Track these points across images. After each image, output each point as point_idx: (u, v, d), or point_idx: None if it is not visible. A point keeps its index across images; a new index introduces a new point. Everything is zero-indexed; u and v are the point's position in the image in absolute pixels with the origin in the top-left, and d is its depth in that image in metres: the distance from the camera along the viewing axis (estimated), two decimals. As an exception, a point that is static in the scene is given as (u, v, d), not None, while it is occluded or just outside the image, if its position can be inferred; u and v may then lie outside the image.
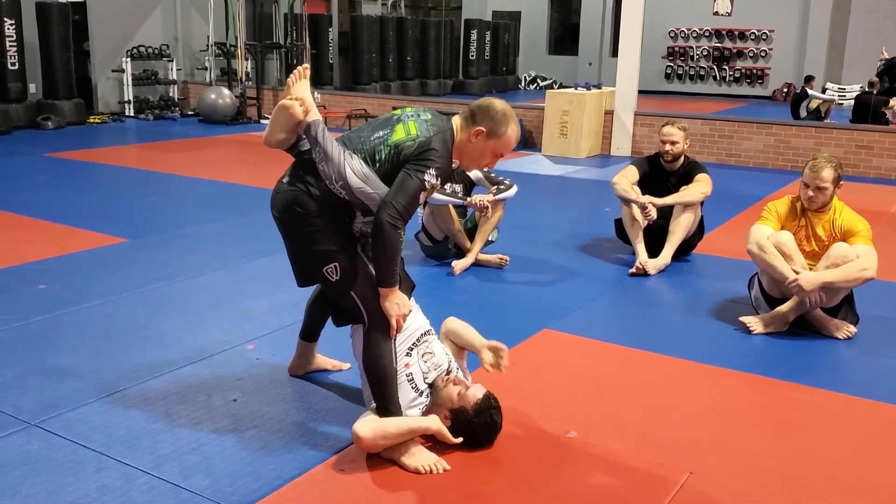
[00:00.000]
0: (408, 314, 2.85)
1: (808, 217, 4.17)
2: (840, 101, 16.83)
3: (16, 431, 2.91)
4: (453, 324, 3.20)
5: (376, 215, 2.72)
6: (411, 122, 2.82)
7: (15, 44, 10.94)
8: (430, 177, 2.73)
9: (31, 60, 11.46)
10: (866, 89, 13.81)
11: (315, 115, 2.86)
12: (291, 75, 2.92)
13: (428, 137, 2.77)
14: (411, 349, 2.92)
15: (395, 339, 2.85)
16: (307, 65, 3.06)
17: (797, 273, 3.95)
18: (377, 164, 2.78)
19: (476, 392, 2.86)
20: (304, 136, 2.86)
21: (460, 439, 2.81)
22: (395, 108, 3.03)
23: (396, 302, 2.80)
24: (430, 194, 2.80)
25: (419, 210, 5.15)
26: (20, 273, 4.78)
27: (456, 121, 2.88)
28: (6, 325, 3.94)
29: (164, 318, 4.11)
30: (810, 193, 4.09)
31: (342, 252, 2.83)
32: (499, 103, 2.87)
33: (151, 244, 5.54)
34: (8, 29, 10.82)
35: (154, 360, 3.56)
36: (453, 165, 2.93)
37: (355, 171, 2.75)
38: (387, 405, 2.79)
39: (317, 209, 2.81)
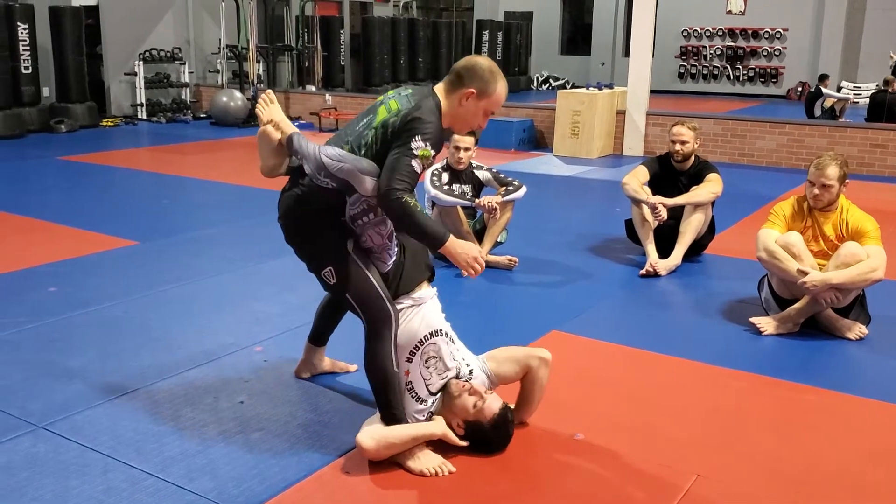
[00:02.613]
0: (477, 255, 2.77)
1: (815, 216, 4.14)
2: (855, 100, 16.71)
3: (23, 434, 2.92)
4: (493, 364, 3.03)
5: (380, 203, 2.70)
6: (392, 101, 2.80)
7: (28, 48, 11.01)
8: (417, 143, 2.68)
9: (44, 64, 11.55)
10: (882, 87, 13.70)
11: (291, 129, 2.92)
12: (259, 104, 2.98)
13: (410, 108, 2.73)
14: (412, 354, 2.87)
15: (394, 344, 2.81)
16: (270, 90, 3.14)
17: (806, 272, 3.91)
18: (364, 149, 2.76)
19: (493, 405, 2.81)
20: (288, 151, 2.89)
21: (466, 443, 2.81)
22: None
23: (458, 252, 2.75)
24: (428, 162, 2.73)
25: (427, 212, 5.15)
26: (31, 275, 4.81)
27: (440, 87, 2.84)
28: (16, 327, 3.96)
29: (172, 321, 4.12)
30: (816, 191, 4.05)
31: (336, 255, 2.82)
32: (484, 61, 2.83)
33: (162, 247, 5.56)
34: (21, 33, 10.90)
35: (162, 363, 3.57)
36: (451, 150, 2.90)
37: (329, 155, 2.75)
38: (390, 409, 2.78)
39: (311, 211, 2.82)
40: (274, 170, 2.98)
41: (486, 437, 2.81)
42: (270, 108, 2.95)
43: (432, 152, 2.72)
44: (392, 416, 2.77)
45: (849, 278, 3.89)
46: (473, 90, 2.78)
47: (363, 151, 2.76)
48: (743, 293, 4.67)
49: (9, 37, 10.74)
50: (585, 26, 23.26)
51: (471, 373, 2.97)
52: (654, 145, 10.44)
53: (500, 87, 2.82)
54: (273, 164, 2.97)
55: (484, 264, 2.82)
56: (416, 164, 2.68)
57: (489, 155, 9.53)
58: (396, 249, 2.95)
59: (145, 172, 8.94)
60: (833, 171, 4.02)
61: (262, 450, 2.85)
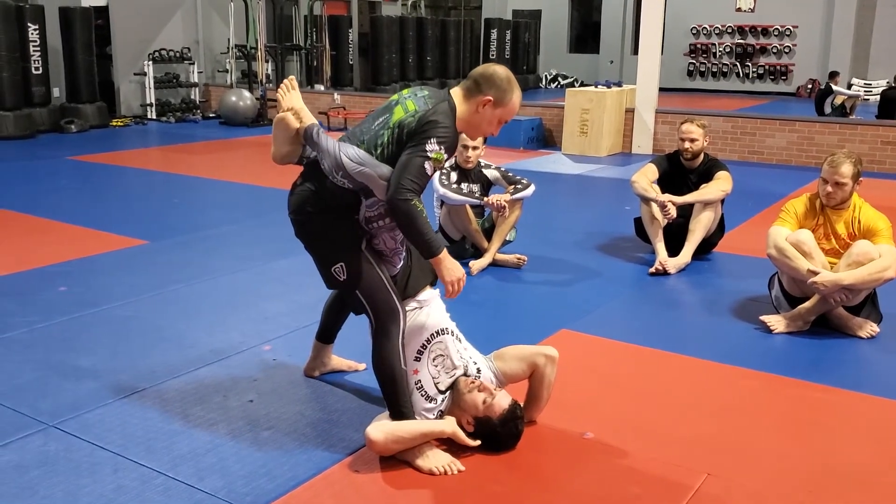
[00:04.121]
0: (462, 276, 2.81)
1: (827, 214, 4.11)
2: (866, 97, 16.62)
3: (34, 432, 2.93)
4: (500, 363, 3.04)
5: (388, 201, 2.70)
6: (409, 101, 2.80)
7: (39, 48, 11.07)
8: (432, 146, 2.68)
9: (54, 65, 11.60)
10: (892, 84, 13.63)
11: (310, 120, 2.89)
12: (280, 89, 2.95)
13: (427, 110, 2.74)
14: (420, 353, 2.88)
15: (402, 342, 2.81)
16: (293, 76, 3.09)
17: (816, 272, 3.89)
18: (380, 148, 2.76)
19: (502, 401, 2.82)
20: (306, 143, 2.88)
21: (477, 442, 2.80)
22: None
23: (448, 268, 2.78)
24: (440, 165, 2.75)
25: (436, 211, 5.15)
26: (41, 275, 4.83)
27: (456, 92, 2.85)
28: (27, 326, 3.97)
29: (182, 320, 4.13)
30: (829, 189, 4.03)
31: (348, 251, 2.82)
32: (501, 70, 2.84)
33: (171, 246, 5.57)
34: (32, 34, 10.95)
35: (172, 361, 3.58)
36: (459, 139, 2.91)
37: (350, 156, 2.74)
38: (398, 406, 2.78)
39: (325, 208, 2.82)
40: (286, 157, 2.95)
41: (496, 434, 2.81)
42: (291, 95, 2.92)
43: (445, 156, 2.74)
44: (400, 413, 2.78)
45: (860, 278, 3.87)
46: (491, 98, 2.79)
47: (378, 151, 2.75)
48: (753, 291, 4.65)
49: (19, 38, 10.79)
50: (594, 24, 23.23)
51: (478, 371, 2.97)
52: (663, 143, 10.41)
53: (516, 97, 2.84)
54: (286, 153, 2.94)
55: (462, 288, 2.83)
56: (428, 166, 2.69)
57: (497, 153, 9.53)
58: (405, 255, 2.95)
59: (155, 172, 8.97)
60: (847, 169, 3.99)
61: (272, 448, 2.85)
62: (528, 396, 3.02)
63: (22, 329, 3.94)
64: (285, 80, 2.97)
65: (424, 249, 2.77)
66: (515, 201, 5.02)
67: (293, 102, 2.90)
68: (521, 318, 4.33)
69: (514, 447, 2.85)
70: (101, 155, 9.63)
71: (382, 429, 2.72)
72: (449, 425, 2.79)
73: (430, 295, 2.98)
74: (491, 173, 5.14)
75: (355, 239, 2.85)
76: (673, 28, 19.43)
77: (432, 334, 2.91)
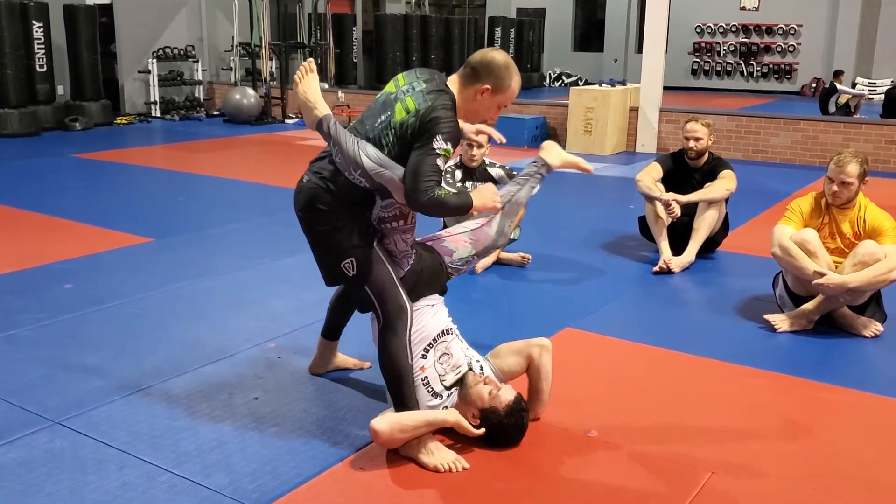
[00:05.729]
0: (496, 193, 2.95)
1: (833, 213, 4.11)
2: (870, 96, 16.58)
3: (40, 429, 2.95)
4: (497, 360, 3.07)
5: (410, 204, 2.73)
6: (408, 99, 2.78)
7: (43, 46, 11.08)
8: (440, 143, 2.70)
9: (59, 62, 11.61)
10: (897, 83, 13.59)
11: (324, 110, 2.87)
12: (297, 73, 2.92)
13: (427, 107, 2.73)
14: (427, 351, 2.89)
15: (409, 340, 2.83)
16: (311, 59, 3.06)
17: (822, 274, 3.89)
18: (386, 148, 2.76)
19: (507, 394, 2.84)
20: (322, 137, 2.87)
21: (482, 430, 2.79)
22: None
23: (481, 202, 2.88)
24: (448, 159, 2.77)
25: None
26: (47, 272, 4.84)
27: (454, 80, 2.85)
28: (33, 323, 3.99)
29: (187, 317, 4.14)
30: (835, 188, 4.03)
31: (359, 247, 2.83)
32: (499, 56, 2.84)
33: (177, 244, 5.59)
34: (36, 32, 10.96)
35: (177, 359, 3.59)
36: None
37: (370, 156, 2.74)
38: (404, 402, 2.79)
39: (336, 205, 2.81)
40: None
41: (502, 426, 2.81)
42: (307, 79, 2.89)
43: (451, 150, 2.76)
44: (405, 408, 2.79)
45: (866, 280, 3.86)
46: (489, 86, 2.80)
47: (385, 151, 2.76)
48: (757, 290, 4.65)
49: (24, 35, 10.80)
50: (598, 23, 23.19)
51: (481, 369, 3.00)
52: (668, 142, 10.40)
53: (515, 82, 2.84)
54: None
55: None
56: (440, 162, 2.72)
57: (502, 152, 9.52)
58: (413, 259, 2.95)
59: (159, 170, 8.98)
60: (853, 169, 3.99)
61: (277, 445, 2.86)
62: (530, 392, 3.03)
63: (28, 326, 3.95)
64: (303, 63, 2.93)
65: (462, 213, 2.90)
66: (520, 200, 5.02)
67: (307, 89, 2.87)
68: (526, 317, 4.33)
69: (519, 442, 2.86)
70: (106, 153, 9.65)
71: (387, 419, 2.73)
72: (452, 415, 2.80)
73: (436, 297, 3.01)
74: (495, 172, 5.13)
75: (367, 235, 2.85)
76: (677, 26, 19.40)
77: (439, 333, 2.93)
